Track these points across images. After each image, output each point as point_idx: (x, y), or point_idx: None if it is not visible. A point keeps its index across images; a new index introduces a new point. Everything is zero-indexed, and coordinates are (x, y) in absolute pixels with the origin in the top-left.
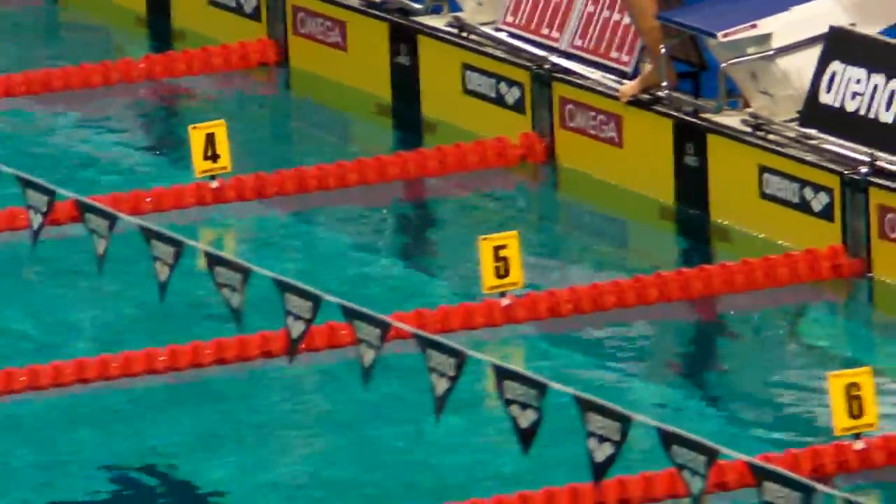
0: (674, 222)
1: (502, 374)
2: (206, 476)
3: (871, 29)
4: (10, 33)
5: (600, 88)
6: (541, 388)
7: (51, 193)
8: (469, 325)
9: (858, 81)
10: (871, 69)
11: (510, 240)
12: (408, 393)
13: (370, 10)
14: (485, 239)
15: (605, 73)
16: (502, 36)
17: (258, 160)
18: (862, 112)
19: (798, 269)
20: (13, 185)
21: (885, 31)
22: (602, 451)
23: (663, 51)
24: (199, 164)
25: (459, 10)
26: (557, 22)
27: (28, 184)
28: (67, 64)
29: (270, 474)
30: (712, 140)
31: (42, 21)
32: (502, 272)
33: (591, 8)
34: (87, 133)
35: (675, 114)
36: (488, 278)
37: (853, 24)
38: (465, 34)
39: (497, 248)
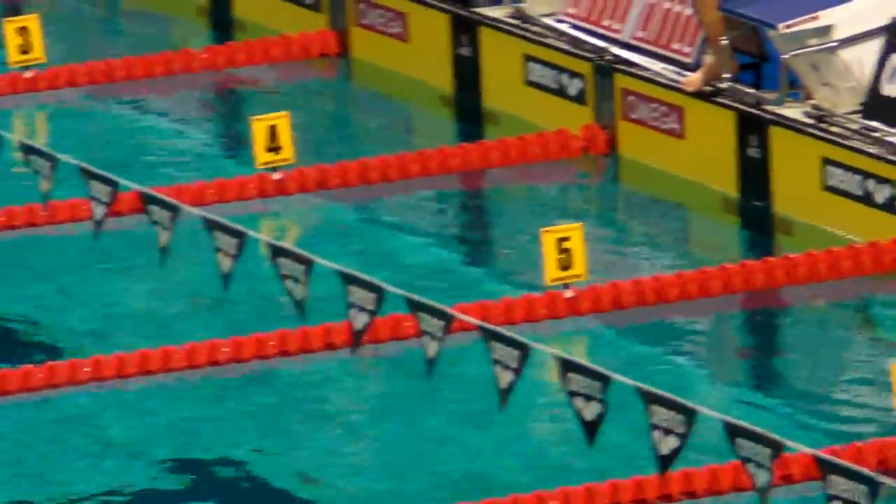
0: (737, 214)
1: (566, 366)
2: (267, 466)
3: None
4: (73, 23)
5: (662, 80)
6: (605, 381)
7: (113, 184)
8: (532, 317)
9: None
10: None
11: (574, 232)
12: (470, 385)
13: (432, 1)
14: (547, 231)
15: (666, 65)
16: (564, 27)
17: (320, 151)
18: None
19: (861, 261)
20: (76, 176)
21: None
22: (667, 444)
23: (725, 42)
24: (261, 156)
25: (520, 0)
26: (619, 13)
27: (91, 175)
28: (129, 54)
29: (333, 464)
30: (775, 132)
31: (104, 11)
32: (566, 264)
33: None
34: (149, 124)
35: (738, 105)
36: (551, 270)
37: None
38: (526, 25)
39: (560, 241)
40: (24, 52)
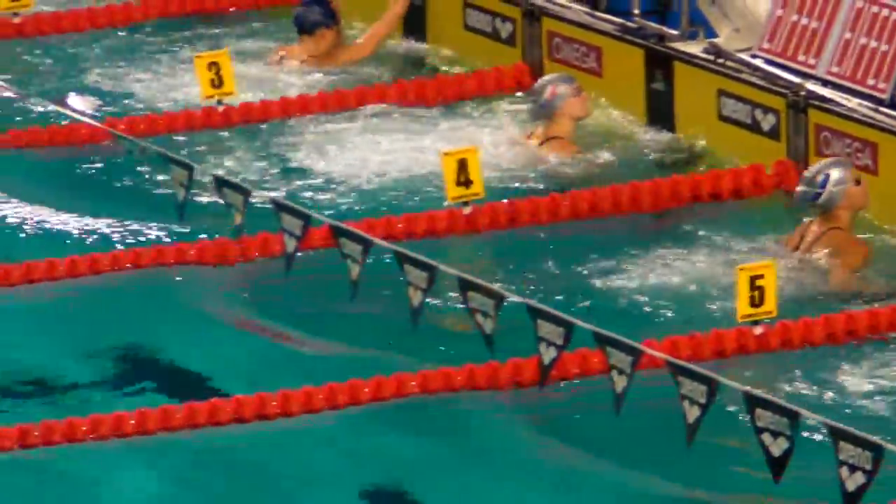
0: None
1: (754, 401)
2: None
3: None
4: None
5: (857, 115)
6: (793, 417)
7: (305, 218)
8: (720, 352)
9: None
10: None
11: (767, 269)
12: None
13: (626, 36)
14: (742, 268)
15: (861, 100)
16: (758, 62)
17: (510, 186)
18: None
19: None
20: (269, 210)
21: None
22: (853, 481)
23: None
24: (452, 190)
25: (715, 36)
26: (814, 48)
27: (283, 208)
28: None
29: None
30: None
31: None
32: (757, 301)
33: (848, 34)
34: (335, 159)
35: None
36: (743, 307)
37: None
38: (720, 60)
39: (754, 278)
40: (216, 86)
